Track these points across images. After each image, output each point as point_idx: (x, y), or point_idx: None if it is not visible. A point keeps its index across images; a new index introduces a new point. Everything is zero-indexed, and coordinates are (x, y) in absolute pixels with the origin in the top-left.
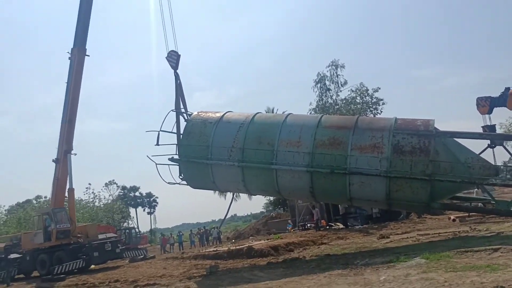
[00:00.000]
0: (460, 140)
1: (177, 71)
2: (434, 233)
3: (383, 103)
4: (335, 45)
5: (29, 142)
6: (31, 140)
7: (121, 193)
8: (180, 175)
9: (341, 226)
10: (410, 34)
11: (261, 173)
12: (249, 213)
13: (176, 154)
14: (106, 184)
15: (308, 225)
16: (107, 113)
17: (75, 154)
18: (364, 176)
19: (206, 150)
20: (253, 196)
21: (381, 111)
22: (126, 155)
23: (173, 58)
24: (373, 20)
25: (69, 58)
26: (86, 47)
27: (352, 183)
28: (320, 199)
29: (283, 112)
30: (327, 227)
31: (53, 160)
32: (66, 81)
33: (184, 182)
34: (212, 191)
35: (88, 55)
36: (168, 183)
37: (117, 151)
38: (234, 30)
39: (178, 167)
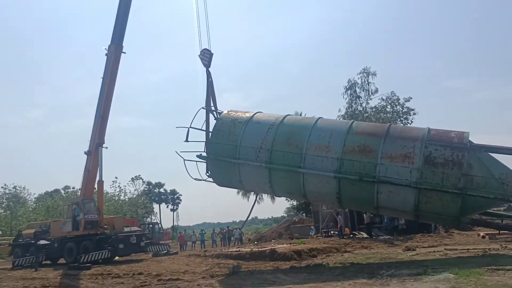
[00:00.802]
0: (494, 155)
1: (209, 69)
2: (463, 249)
3: (414, 113)
4: (366, 53)
5: (61, 134)
6: (62, 132)
7: (146, 189)
8: (207, 172)
9: (365, 235)
10: (442, 44)
11: (288, 176)
12: (270, 217)
13: (204, 151)
14: (132, 179)
15: (332, 232)
16: (136, 109)
17: (106, 148)
18: (393, 185)
19: (234, 149)
20: (276, 198)
21: (412, 121)
22: (153, 152)
23: (206, 56)
24: (406, 29)
25: (106, 55)
26: (123, 44)
27: (380, 192)
28: (346, 205)
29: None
30: (351, 235)
31: (85, 152)
32: (102, 77)
33: (211, 179)
34: (236, 191)
35: (125, 52)
36: (195, 179)
37: (144, 147)
38: (264, 33)
39: (205, 164)
